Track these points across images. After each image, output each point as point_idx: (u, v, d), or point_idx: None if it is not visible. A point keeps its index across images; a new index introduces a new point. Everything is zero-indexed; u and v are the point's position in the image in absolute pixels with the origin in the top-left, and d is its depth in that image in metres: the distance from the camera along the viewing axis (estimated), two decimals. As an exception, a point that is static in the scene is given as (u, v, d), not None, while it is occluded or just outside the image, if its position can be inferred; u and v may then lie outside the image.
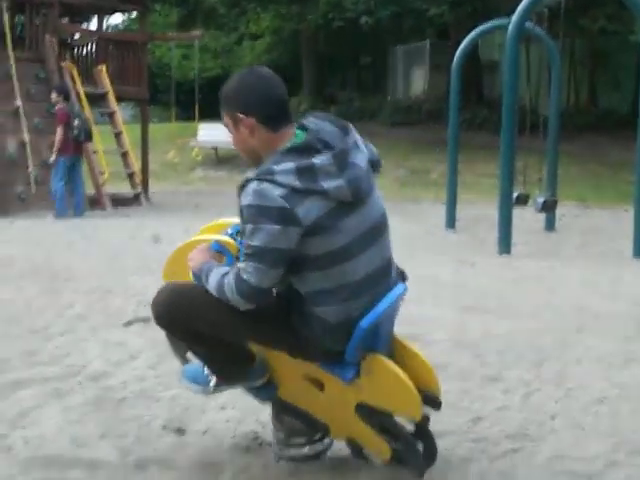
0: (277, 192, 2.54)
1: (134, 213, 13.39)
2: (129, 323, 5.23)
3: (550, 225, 11.95)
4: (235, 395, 3.79)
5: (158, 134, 20.92)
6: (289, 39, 29.17)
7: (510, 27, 9.34)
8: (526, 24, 9.72)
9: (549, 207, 11.25)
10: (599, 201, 16.52)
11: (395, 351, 2.90)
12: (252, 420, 3.47)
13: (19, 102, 13.07)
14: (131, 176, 15.01)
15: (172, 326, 2.85)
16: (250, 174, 2.62)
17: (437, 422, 3.46)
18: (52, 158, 12.09)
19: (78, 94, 14.26)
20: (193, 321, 2.78)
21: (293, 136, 2.68)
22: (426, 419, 2.89)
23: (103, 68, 15.10)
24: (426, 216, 13.94)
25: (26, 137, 12.98)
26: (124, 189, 15.30)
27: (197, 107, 18.88)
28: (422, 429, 2.92)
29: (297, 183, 2.56)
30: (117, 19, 38.22)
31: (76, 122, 12.22)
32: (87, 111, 14.33)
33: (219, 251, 2.94)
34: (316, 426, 2.98)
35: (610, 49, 24.07)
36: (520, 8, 9.27)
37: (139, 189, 14.97)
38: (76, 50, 16.20)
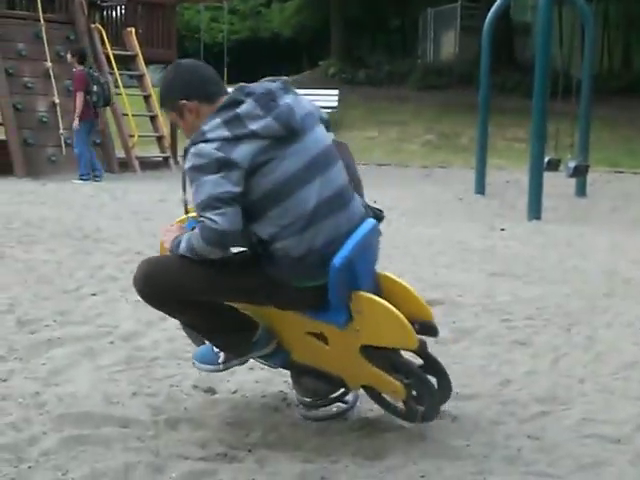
0: (211, 147, 2.68)
1: (163, 176, 13.44)
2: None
3: (581, 190, 11.83)
4: (264, 356, 3.83)
5: (187, 97, 20.90)
6: (318, 1, 28.89)
7: (543, -12, 9.17)
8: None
9: (580, 172, 11.13)
10: (631, 166, 16.32)
11: (383, 287, 2.93)
12: (280, 381, 3.50)
13: (49, 64, 13.10)
14: (160, 139, 15.04)
15: (154, 297, 2.85)
16: (187, 141, 2.79)
17: (465, 386, 3.48)
18: (75, 124, 12.06)
19: (107, 56, 14.28)
20: (173, 289, 2.80)
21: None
22: (424, 345, 2.91)
23: (132, 30, 15.09)
24: (455, 181, 13.87)
25: (56, 99, 13.03)
26: (153, 152, 15.35)
27: (226, 70, 18.83)
28: (430, 362, 2.95)
29: (226, 133, 2.70)
30: (146, -19, 38.02)
31: (95, 88, 12.13)
32: (116, 74, 14.37)
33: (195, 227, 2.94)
34: (333, 382, 3.01)
35: (645, 12, 23.61)
36: (554, -31, 9.10)
37: (168, 152, 15.01)
38: (105, 12, 16.18)
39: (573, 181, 11.69)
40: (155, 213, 8.72)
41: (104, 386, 3.39)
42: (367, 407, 3.19)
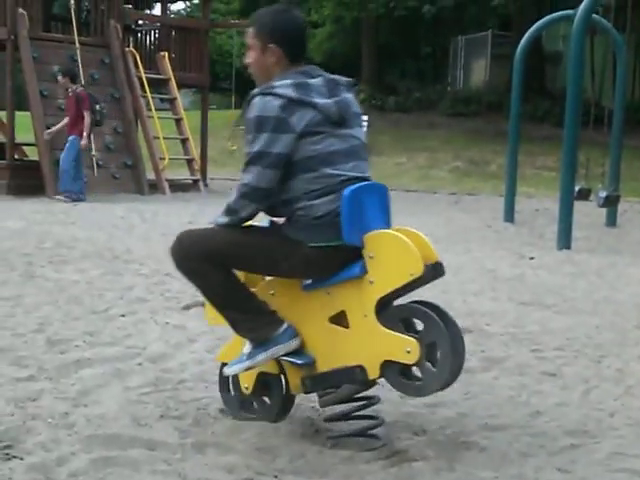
0: (276, 102, 2.94)
1: (193, 199, 13.53)
2: (188, 307, 5.30)
3: (612, 220, 11.74)
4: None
5: (217, 121, 21.08)
6: (350, 28, 29.06)
7: (576, 18, 9.17)
8: (592, 16, 9.55)
9: (611, 202, 11.06)
10: (662, 197, 16.17)
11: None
12: (308, 407, 3.49)
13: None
14: (190, 162, 15.16)
15: (184, 257, 3.07)
16: (254, 90, 3.02)
17: (494, 416, 3.46)
18: (83, 142, 12.04)
19: (140, 79, 14.46)
20: (200, 246, 3.04)
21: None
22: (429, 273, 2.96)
23: (165, 54, 15.28)
24: (484, 208, 13.83)
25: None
26: (183, 175, 15.46)
27: (257, 94, 18.97)
28: (439, 310, 2.97)
29: (293, 94, 2.96)
30: (179, 5, 38.53)
31: (98, 106, 12.17)
32: (148, 96, 14.52)
33: None
34: (355, 376, 3.04)
35: (677, 42, 23.47)
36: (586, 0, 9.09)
37: (198, 175, 15.12)
38: (139, 36, 16.41)
39: (603, 211, 11.61)
40: (184, 235, 8.76)
41: (132, 408, 3.40)
42: (394, 436, 3.17)
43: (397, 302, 3.09)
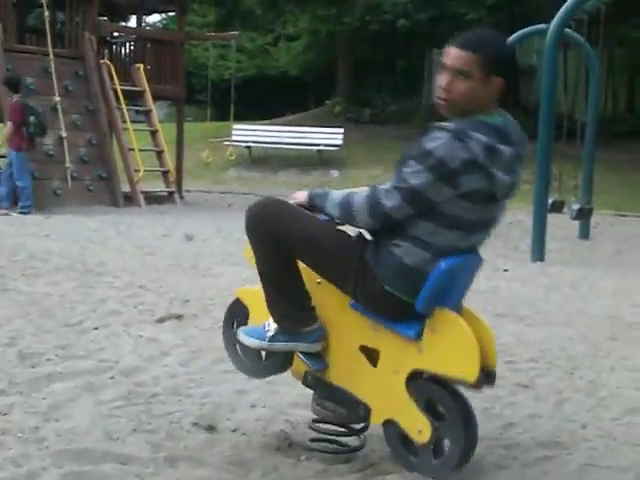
0: (462, 155, 2.70)
1: (168, 211, 13.49)
2: (161, 320, 5.27)
3: (585, 233, 11.84)
4: (266, 394, 3.82)
5: (193, 133, 21.03)
6: (325, 41, 29.17)
7: (549, 33, 9.26)
8: (565, 30, 9.64)
9: (584, 215, 11.15)
10: (635, 209, 16.34)
11: (464, 319, 2.88)
12: (282, 420, 3.48)
13: (57, 98, 13.21)
14: (165, 174, 15.12)
15: (258, 232, 2.98)
16: (448, 124, 2.76)
17: (468, 427, 3.45)
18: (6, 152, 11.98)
19: (115, 91, 14.41)
20: (277, 225, 2.94)
21: (495, 112, 2.87)
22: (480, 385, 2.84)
23: (141, 67, 15.25)
24: (459, 221, 13.86)
25: (64, 132, 13.12)
26: (158, 187, 15.41)
27: (232, 107, 18.95)
28: (466, 410, 2.88)
29: (481, 157, 2.72)
30: (155, 18, 38.48)
31: (32, 119, 11.97)
32: (123, 109, 14.47)
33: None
34: (358, 410, 3.00)
35: (649, 57, 23.79)
36: (559, 14, 9.19)
37: (173, 187, 15.08)
38: (114, 48, 16.36)
39: (576, 223, 11.70)
40: (158, 248, 8.73)
41: (104, 422, 3.36)
42: (369, 448, 3.16)
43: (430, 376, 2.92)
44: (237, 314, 3.36)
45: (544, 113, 9.16)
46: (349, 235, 3.01)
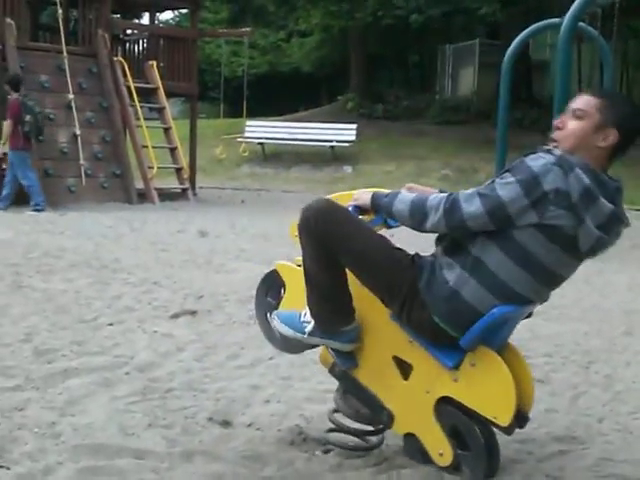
0: (558, 183, 2.58)
1: (181, 208, 13.51)
2: (176, 315, 5.29)
3: (599, 227, 11.76)
4: (280, 389, 3.82)
5: (206, 130, 21.08)
6: (338, 37, 29.14)
7: (563, 27, 9.22)
8: (579, 24, 9.60)
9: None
10: (650, 204, 16.23)
11: (506, 357, 2.82)
12: (296, 415, 3.49)
13: (71, 96, 13.26)
14: (179, 171, 15.15)
15: (311, 235, 2.91)
16: (556, 151, 2.68)
17: (483, 422, 3.44)
18: (1, 151, 11.98)
19: (129, 88, 14.45)
20: (332, 231, 2.86)
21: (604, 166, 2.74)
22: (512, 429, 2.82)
23: (154, 64, 15.27)
24: (473, 216, 13.83)
25: (77, 130, 13.17)
26: (172, 184, 15.45)
27: (245, 103, 19.00)
28: (491, 444, 2.84)
29: (575, 195, 2.59)
30: (168, 15, 38.56)
31: (27, 117, 11.92)
32: (137, 106, 14.51)
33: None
34: (381, 415, 2.99)
35: (664, 50, 23.68)
36: (573, 8, 9.15)
37: (186, 184, 15.10)
38: (128, 45, 16.40)
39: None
40: (172, 244, 8.75)
41: (119, 417, 3.38)
42: (384, 443, 3.16)
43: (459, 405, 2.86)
44: (272, 286, 3.33)
45: (558, 108, 9.12)
46: (406, 255, 2.92)
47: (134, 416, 3.41)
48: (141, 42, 16.32)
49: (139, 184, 14.12)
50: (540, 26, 12.29)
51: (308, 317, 3.05)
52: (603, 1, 11.68)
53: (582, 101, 2.75)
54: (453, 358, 2.79)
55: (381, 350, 2.98)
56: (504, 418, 2.72)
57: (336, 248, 2.88)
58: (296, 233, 3.02)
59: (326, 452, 3.09)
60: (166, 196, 14.47)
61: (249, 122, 21.54)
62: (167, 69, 15.76)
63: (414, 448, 2.97)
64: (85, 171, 13.13)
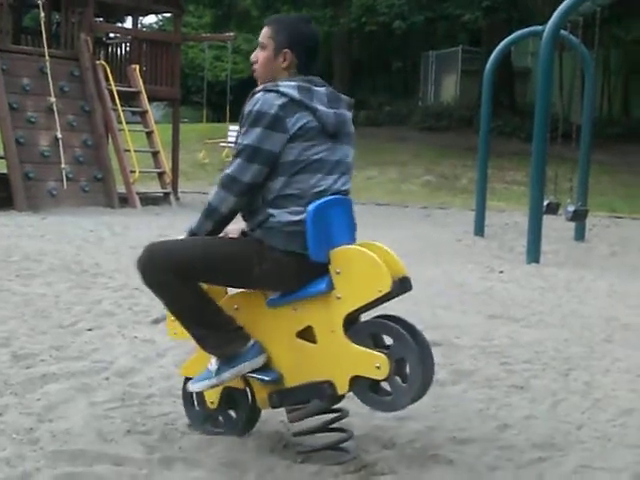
0: (278, 101, 2.96)
1: (163, 212, 13.47)
2: (156, 321, 5.26)
3: (580, 235, 11.86)
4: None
5: (189, 134, 21.04)
6: (321, 42, 29.17)
7: (544, 35, 9.27)
8: (561, 32, 9.66)
9: (579, 216, 11.16)
10: (630, 212, 16.37)
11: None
12: (276, 421, 3.47)
13: (53, 99, 13.19)
14: (161, 175, 15.11)
15: (154, 276, 3.01)
16: (258, 88, 3.07)
17: (463, 430, 3.46)
18: None
19: (111, 92, 14.39)
20: (169, 257, 3.00)
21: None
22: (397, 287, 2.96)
23: (136, 67, 15.22)
24: (455, 222, 13.90)
25: (59, 133, 13.11)
26: (154, 188, 15.40)
27: (228, 108, 18.96)
28: (406, 324, 2.97)
29: (296, 94, 2.98)
30: (151, 19, 38.45)
31: None
32: (119, 109, 14.47)
33: None
34: (324, 392, 3.02)
35: (645, 59, 23.88)
36: (555, 16, 9.20)
37: (169, 188, 15.06)
38: (110, 49, 16.35)
39: (572, 225, 11.71)
40: (154, 249, 8.71)
41: (98, 423, 3.36)
42: (363, 449, 3.16)
43: (365, 317, 3.08)
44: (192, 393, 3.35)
45: (539, 115, 9.17)
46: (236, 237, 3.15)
47: (113, 422, 3.39)
48: (124, 46, 16.29)
49: (121, 188, 14.06)
50: (522, 34, 12.35)
51: (212, 361, 3.11)
52: (585, 10, 11.75)
53: (262, 33, 3.16)
54: (322, 281, 2.97)
55: (285, 341, 3.08)
56: (385, 285, 2.89)
57: (184, 270, 2.99)
58: (175, 330, 3.20)
59: (303, 461, 3.07)
60: (148, 200, 14.43)
61: (232, 127, 21.47)
62: (150, 73, 15.72)
63: (364, 389, 2.98)
64: (66, 175, 13.07)
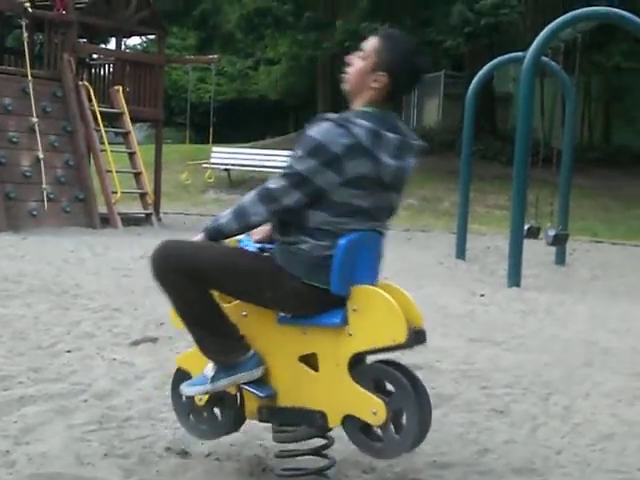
0: (344, 140, 2.81)
1: (145, 233, 13.42)
2: (136, 343, 5.23)
3: (560, 259, 11.91)
4: (240, 419, 3.78)
5: (172, 155, 21.01)
6: (306, 66, 29.34)
7: (526, 60, 9.36)
8: (542, 58, 9.75)
9: (560, 241, 11.22)
10: (610, 236, 16.48)
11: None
12: (256, 444, 3.45)
13: (35, 119, 13.15)
14: (143, 196, 15.07)
15: (167, 275, 2.96)
16: (331, 115, 2.90)
17: (443, 454, 3.45)
18: None
19: (94, 113, 14.37)
20: (183, 261, 2.94)
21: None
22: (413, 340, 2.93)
23: (119, 88, 15.21)
24: (436, 245, 13.93)
25: (41, 154, 13.06)
26: (135, 209, 15.35)
27: (211, 130, 18.99)
28: (412, 377, 2.95)
29: (365, 140, 2.82)
30: (135, 40, 38.51)
31: None
32: (102, 130, 14.46)
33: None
34: (315, 421, 2.99)
35: (625, 85, 24.14)
36: (536, 42, 9.29)
37: (150, 209, 15.02)
38: (93, 70, 16.34)
39: (553, 249, 11.77)
40: (135, 270, 8.68)
41: (76, 446, 3.32)
42: (343, 474, 3.14)
43: (370, 359, 3.04)
44: (182, 382, 3.29)
45: (520, 139, 9.24)
46: (250, 250, 3.07)
47: (90, 445, 3.35)
48: (107, 67, 16.28)
49: (102, 209, 14.01)
50: (503, 59, 12.47)
51: (210, 367, 3.06)
52: (566, 36, 11.88)
53: (370, 42, 2.97)
54: (337, 314, 2.92)
55: (286, 360, 3.04)
56: (400, 336, 2.85)
57: (195, 275, 2.94)
58: (180, 324, 3.11)
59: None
60: (130, 221, 14.38)
61: (215, 148, 21.50)
62: (133, 94, 15.71)
63: (355, 429, 2.96)
64: (47, 195, 13.01)
